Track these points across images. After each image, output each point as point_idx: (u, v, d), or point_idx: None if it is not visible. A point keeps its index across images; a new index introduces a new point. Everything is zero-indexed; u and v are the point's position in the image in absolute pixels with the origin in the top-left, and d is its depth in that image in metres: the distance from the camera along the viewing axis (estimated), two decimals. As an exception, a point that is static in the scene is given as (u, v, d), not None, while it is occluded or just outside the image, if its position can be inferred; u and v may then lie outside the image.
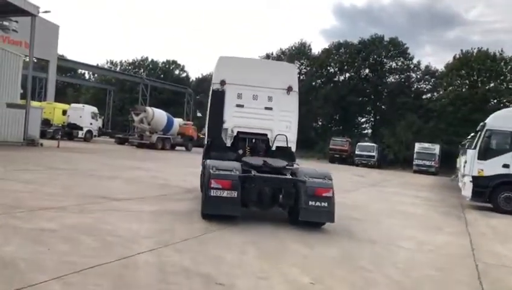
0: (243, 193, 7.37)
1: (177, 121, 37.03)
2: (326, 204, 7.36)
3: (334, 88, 58.35)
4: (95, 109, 38.11)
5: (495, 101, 50.72)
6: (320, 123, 62.55)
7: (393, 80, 57.26)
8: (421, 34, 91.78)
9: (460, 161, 20.77)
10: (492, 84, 49.63)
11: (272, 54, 65.08)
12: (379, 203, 12.55)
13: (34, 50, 36.47)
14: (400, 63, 56.79)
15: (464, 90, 50.29)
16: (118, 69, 77.48)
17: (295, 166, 8.44)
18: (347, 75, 59.55)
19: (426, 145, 43.14)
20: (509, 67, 48.68)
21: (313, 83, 60.46)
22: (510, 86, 48.92)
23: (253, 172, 7.62)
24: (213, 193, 7.13)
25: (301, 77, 62.90)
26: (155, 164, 19.38)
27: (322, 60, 58.84)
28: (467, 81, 50.49)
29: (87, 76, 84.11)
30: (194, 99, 63.20)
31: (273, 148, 9.43)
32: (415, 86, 56.72)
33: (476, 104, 48.30)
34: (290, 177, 7.80)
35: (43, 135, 30.51)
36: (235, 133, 9.45)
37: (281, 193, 7.64)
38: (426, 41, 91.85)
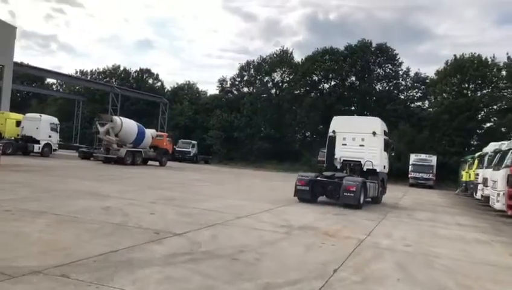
0: (313, 188, 14.29)
1: (150, 133, 32.61)
2: (352, 195, 13.30)
3: (320, 97, 55.08)
4: (55, 120, 33.18)
5: (486, 109, 48.38)
6: (306, 134, 59.21)
7: (381, 88, 54.27)
8: (394, 47, 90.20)
9: (495, 175, 17.10)
10: (485, 91, 47.12)
11: (253, 61, 61.66)
12: (438, 245, 8.65)
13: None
14: (388, 70, 53.86)
15: (453, 97, 47.47)
16: (88, 78, 72.26)
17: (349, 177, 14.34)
18: (332, 83, 56.26)
19: (423, 156, 39.86)
20: (503, 73, 46.22)
21: (297, 92, 57.02)
22: (504, 93, 46.51)
23: (319, 178, 14.56)
24: (298, 187, 14.24)
25: (284, 86, 59.56)
26: (118, 185, 15.05)
27: (306, 67, 55.40)
28: (460, 88, 47.81)
29: (55, 87, 78.72)
30: (169, 109, 58.72)
31: (364, 169, 15.37)
32: (405, 94, 53.87)
33: (472, 112, 45.73)
34: (335, 180, 14.10)
35: (-11, 150, 25.73)
36: (341, 161, 15.62)
37: (334, 189, 14.02)
38: (399, 55, 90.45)
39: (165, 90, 72.26)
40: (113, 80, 71.01)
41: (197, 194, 14.17)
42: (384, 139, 16.32)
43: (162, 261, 5.40)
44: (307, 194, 14.10)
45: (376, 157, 15.43)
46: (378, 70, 54.36)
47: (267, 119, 57.15)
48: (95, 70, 74.82)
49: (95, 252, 5.49)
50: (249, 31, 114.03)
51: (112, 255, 5.51)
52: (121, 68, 73.49)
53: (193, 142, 51.03)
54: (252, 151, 55.04)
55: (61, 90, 77.27)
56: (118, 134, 29.04)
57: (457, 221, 13.35)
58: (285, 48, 60.44)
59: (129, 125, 30.02)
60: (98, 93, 65.30)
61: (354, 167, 15.54)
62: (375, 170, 15.45)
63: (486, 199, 19.12)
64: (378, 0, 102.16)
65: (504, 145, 18.77)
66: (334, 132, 15.71)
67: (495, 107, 47.24)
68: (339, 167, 15.57)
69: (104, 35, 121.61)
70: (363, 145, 15.47)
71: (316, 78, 56.73)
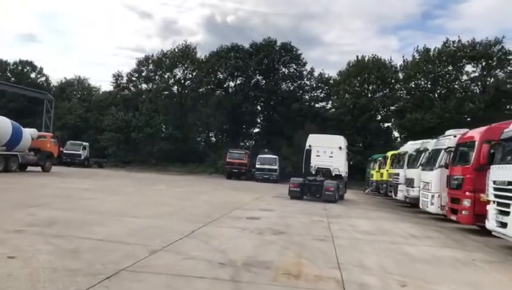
0: (302, 189, 19.26)
1: (29, 133, 27.11)
2: (331, 193, 18.59)
3: (226, 96, 52.71)
4: None
5: (386, 109, 50.33)
6: (210, 134, 56.46)
7: (286, 88, 53.64)
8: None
9: (426, 175, 16.08)
10: (385, 92, 48.88)
11: (153, 56, 57.14)
12: (432, 278, 6.56)
13: None
14: (292, 70, 53.38)
15: (355, 97, 48.52)
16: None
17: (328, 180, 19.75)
18: (238, 81, 54.22)
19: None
20: (400, 76, 48.36)
21: (201, 90, 54.05)
22: (400, 94, 48.65)
23: (306, 181, 19.50)
24: (291, 189, 19.40)
25: (187, 83, 56.25)
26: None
27: (211, 64, 52.63)
28: (362, 89, 49.01)
29: None
30: (55, 107, 51.59)
31: (333, 174, 20.93)
32: (309, 94, 53.88)
33: (373, 113, 47.08)
34: (317, 183, 19.21)
35: None
36: (316, 168, 21.10)
37: (317, 189, 19.17)
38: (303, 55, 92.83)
39: (51, 86, 64.02)
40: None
41: (88, 212, 10.55)
42: (347, 152, 22.21)
43: None
44: (298, 193, 19.19)
45: (341, 166, 21.29)
46: (284, 69, 53.66)
47: (169, 119, 53.16)
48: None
49: None
50: (146, 29, 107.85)
51: None
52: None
53: (84, 143, 45.16)
54: (152, 153, 50.64)
55: None
56: (-15, 134, 23.41)
57: (406, 231, 11.66)
58: (188, 43, 56.99)
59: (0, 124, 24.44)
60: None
61: (325, 172, 20.86)
62: (341, 175, 21.13)
63: (413, 200, 18.25)
64: (272, 6, 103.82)
65: (429, 143, 17.99)
66: (310, 146, 21.08)
67: (392, 108, 49.35)
68: (313, 173, 20.71)
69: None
70: (332, 157, 21.22)
71: (221, 76, 54.34)
